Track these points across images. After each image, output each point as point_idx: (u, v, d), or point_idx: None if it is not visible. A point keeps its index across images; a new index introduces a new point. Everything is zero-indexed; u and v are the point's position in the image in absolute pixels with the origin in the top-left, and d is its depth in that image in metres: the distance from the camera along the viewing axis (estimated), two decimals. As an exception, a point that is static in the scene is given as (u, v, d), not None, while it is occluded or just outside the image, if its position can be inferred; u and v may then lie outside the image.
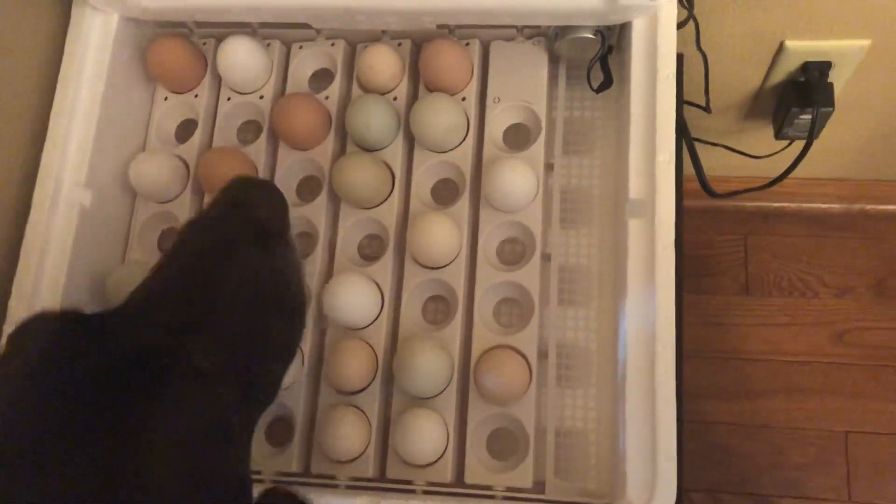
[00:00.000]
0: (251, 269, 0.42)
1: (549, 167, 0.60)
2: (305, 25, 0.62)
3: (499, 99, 0.61)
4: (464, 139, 0.60)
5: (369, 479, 0.55)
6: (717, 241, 1.08)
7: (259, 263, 0.43)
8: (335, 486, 0.55)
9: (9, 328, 0.56)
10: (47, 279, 0.57)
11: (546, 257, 0.58)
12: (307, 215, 0.61)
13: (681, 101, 0.59)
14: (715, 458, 1.00)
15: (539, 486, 0.54)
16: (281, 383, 0.44)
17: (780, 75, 0.77)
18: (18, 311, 0.56)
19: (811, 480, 0.98)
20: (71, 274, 0.57)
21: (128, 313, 0.39)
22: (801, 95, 0.76)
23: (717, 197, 0.76)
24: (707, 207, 1.06)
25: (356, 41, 0.65)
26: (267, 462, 0.56)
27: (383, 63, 0.61)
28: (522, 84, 0.61)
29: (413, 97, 0.63)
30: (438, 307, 0.60)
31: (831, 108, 0.75)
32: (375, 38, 0.64)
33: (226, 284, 0.41)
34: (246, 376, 0.39)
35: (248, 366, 0.40)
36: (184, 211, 0.62)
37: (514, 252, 0.61)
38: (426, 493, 0.53)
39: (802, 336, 1.03)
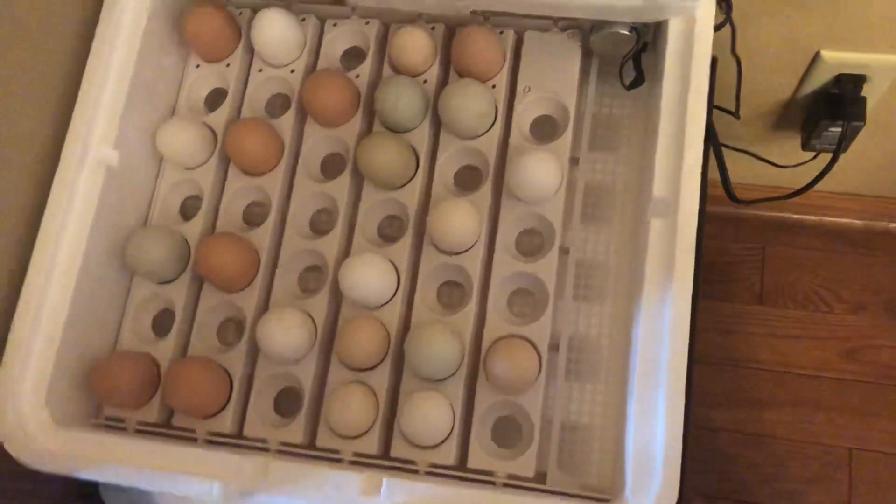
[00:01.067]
0: None
1: (574, 161, 0.60)
2: (341, 2, 0.62)
3: (529, 89, 0.61)
4: (491, 127, 0.60)
5: (373, 456, 0.55)
6: (735, 249, 1.07)
7: None
8: (339, 461, 0.55)
9: (28, 287, 0.56)
10: (69, 236, 0.58)
11: (564, 251, 0.58)
12: (329, 192, 0.61)
13: (711, 106, 0.59)
14: (716, 464, 1.00)
15: (541, 476, 0.55)
16: None
17: (812, 86, 0.77)
18: (40, 265, 0.57)
19: (811, 495, 0.97)
20: (93, 233, 0.58)
21: None
22: (832, 108, 0.75)
23: (740, 204, 0.76)
24: (726, 214, 1.05)
25: (390, 21, 0.65)
26: (273, 431, 0.57)
27: (416, 45, 0.61)
28: (554, 76, 0.61)
29: (443, 82, 0.63)
30: (453, 292, 0.61)
31: (862, 123, 0.74)
32: (410, 19, 0.64)
33: None
34: None
35: None
36: (209, 179, 0.63)
37: (532, 243, 0.61)
38: (428, 473, 0.54)
39: (814, 350, 1.02)
